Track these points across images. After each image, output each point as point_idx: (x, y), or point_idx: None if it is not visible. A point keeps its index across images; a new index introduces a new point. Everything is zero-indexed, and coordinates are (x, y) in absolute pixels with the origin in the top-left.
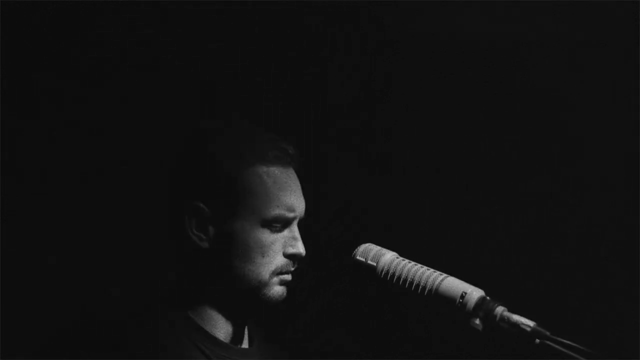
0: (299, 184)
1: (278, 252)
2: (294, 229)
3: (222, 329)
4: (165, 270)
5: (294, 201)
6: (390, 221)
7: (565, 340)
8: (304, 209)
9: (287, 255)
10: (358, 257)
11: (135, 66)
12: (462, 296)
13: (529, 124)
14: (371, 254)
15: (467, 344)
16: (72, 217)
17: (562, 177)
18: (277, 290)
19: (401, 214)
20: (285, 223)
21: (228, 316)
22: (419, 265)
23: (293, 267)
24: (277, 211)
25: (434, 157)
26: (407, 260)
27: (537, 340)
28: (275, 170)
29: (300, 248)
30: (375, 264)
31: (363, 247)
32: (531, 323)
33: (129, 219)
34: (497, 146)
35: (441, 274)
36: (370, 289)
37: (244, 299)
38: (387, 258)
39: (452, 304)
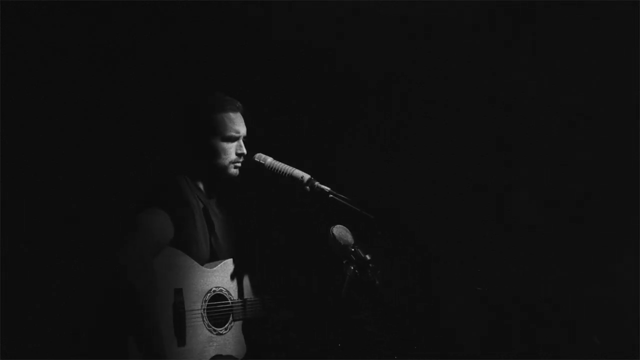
0: (243, 120)
1: (232, 152)
2: (241, 142)
3: (204, 189)
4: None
5: (239, 128)
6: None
7: (341, 195)
8: (245, 132)
9: (237, 154)
10: (255, 159)
11: (137, 65)
12: (302, 177)
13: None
14: (261, 158)
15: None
16: (72, 217)
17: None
18: (233, 171)
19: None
20: (234, 139)
21: (208, 183)
22: (284, 163)
23: (241, 159)
24: (229, 132)
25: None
26: (278, 161)
27: (330, 196)
28: (230, 114)
29: (243, 149)
30: (264, 163)
31: (257, 155)
32: (328, 188)
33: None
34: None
35: (293, 168)
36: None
37: (216, 174)
38: (270, 159)
39: (298, 180)
